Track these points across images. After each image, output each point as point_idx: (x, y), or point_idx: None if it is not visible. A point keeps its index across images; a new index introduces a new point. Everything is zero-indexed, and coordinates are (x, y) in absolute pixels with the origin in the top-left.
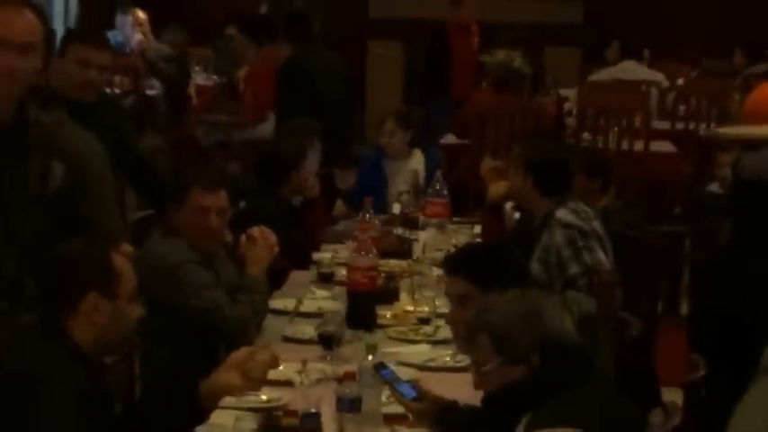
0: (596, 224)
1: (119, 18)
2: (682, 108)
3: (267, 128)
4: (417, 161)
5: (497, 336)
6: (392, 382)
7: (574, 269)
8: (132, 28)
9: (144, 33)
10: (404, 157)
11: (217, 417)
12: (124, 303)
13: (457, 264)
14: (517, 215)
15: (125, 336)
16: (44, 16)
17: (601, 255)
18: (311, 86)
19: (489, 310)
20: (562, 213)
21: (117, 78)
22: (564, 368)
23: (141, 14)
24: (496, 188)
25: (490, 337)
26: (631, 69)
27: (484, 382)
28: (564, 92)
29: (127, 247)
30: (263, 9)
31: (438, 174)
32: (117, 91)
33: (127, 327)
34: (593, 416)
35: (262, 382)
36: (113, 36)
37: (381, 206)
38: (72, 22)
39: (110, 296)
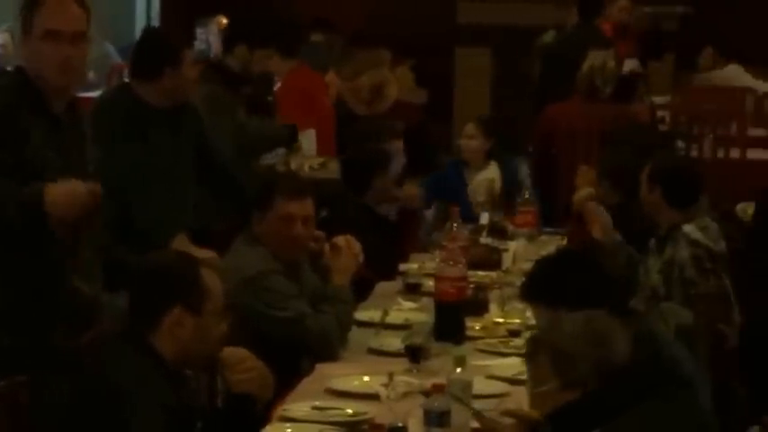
0: (723, 244)
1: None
2: None
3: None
4: (493, 172)
5: (558, 357)
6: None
7: (698, 290)
8: (214, 34)
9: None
10: (480, 166)
11: (300, 431)
12: (210, 320)
13: (532, 292)
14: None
15: (209, 353)
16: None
17: (727, 282)
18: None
19: (554, 330)
20: (690, 229)
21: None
22: (623, 393)
23: (225, 21)
24: (579, 195)
25: (551, 358)
26: (735, 75)
27: (537, 402)
28: (657, 99)
29: (208, 254)
30: None
31: (528, 183)
32: None
33: (211, 344)
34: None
35: None
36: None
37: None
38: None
39: (195, 312)
